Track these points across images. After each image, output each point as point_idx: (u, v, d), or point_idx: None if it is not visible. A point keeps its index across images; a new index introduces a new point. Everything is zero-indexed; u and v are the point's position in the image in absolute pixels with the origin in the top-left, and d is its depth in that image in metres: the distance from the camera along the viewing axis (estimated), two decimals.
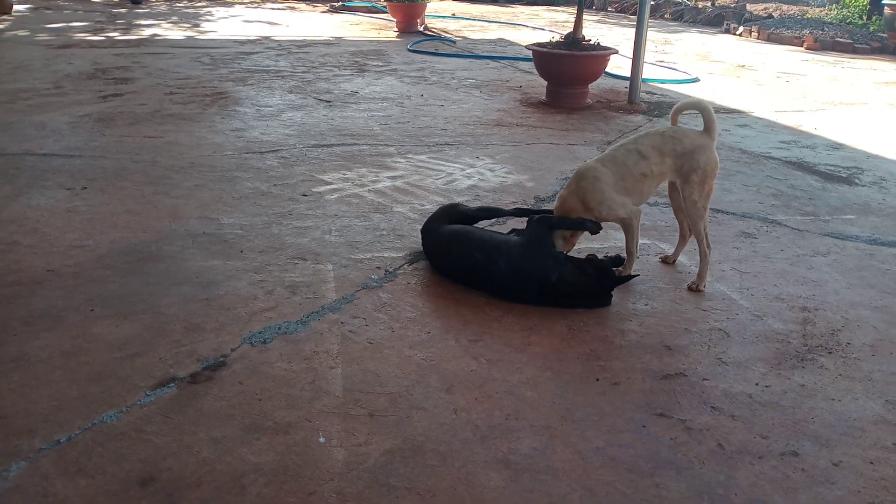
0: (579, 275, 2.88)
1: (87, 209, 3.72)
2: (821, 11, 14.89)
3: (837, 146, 5.60)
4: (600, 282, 2.88)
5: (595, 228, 3.02)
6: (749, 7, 15.76)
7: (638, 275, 3.09)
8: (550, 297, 2.89)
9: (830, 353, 2.65)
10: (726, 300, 3.02)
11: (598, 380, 2.44)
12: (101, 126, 5.33)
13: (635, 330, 2.77)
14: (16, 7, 12.82)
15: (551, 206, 3.92)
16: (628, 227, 3.05)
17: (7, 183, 4.05)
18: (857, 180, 4.73)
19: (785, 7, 16.19)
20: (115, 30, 10.81)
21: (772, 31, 12.49)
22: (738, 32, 13.25)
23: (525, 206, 3.82)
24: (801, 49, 11.43)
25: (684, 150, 3.00)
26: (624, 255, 3.10)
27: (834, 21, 13.41)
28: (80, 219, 3.60)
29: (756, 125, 6.22)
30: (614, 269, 2.99)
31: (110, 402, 2.21)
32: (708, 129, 3.06)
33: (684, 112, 3.19)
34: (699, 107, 3.11)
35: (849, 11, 13.97)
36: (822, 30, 12.26)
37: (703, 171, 3.00)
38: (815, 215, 4.04)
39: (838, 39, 11.47)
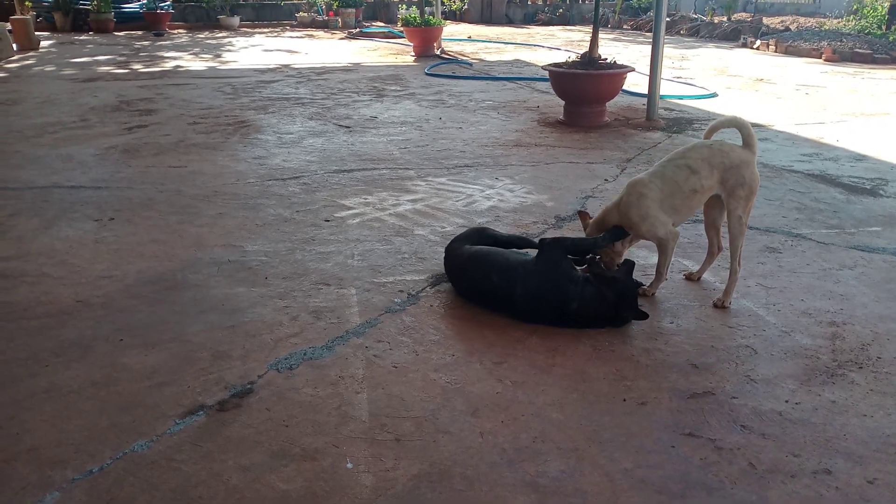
0: (598, 300, 2.84)
1: (114, 240, 3.79)
2: (838, 23, 14.82)
3: (860, 157, 5.55)
4: (617, 308, 2.83)
5: (602, 244, 3.02)
6: (765, 20, 15.73)
7: (648, 315, 2.90)
8: (570, 320, 2.87)
9: (861, 367, 2.61)
10: (753, 316, 2.99)
11: (624, 400, 2.42)
12: (127, 157, 5.44)
13: (661, 349, 2.75)
14: (42, 43, 13.15)
15: (572, 225, 3.94)
16: (664, 249, 3.04)
17: (36, 216, 4.14)
18: (881, 191, 4.68)
19: (802, 19, 16.14)
20: (138, 62, 11.04)
21: (789, 43, 12.44)
22: (755, 46, 13.22)
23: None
24: (820, 61, 11.37)
25: (732, 164, 2.97)
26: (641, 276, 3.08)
27: (852, 32, 13.34)
28: (107, 249, 3.66)
29: (777, 138, 6.19)
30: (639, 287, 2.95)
31: (140, 431, 2.23)
32: (748, 144, 3.03)
33: (720, 131, 3.17)
34: (736, 124, 3.06)
35: (867, 22, 13.88)
36: (841, 41, 12.20)
37: (750, 186, 2.98)
38: (840, 228, 4.00)
39: (857, 50, 11.40)
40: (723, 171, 2.97)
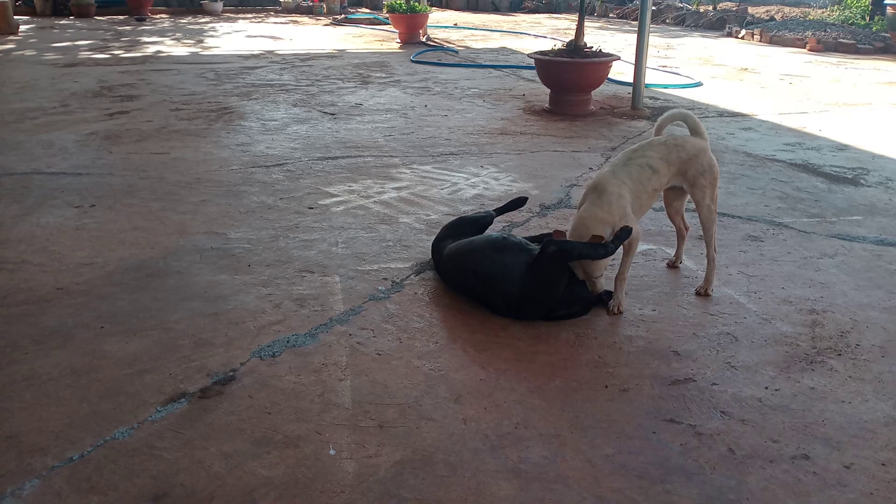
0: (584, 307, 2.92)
1: (95, 227, 3.75)
2: (823, 13, 14.89)
3: (842, 147, 5.59)
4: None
5: (613, 250, 2.81)
6: (751, 10, 15.78)
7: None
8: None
9: (840, 355, 2.64)
10: (734, 304, 3.02)
11: (606, 387, 2.43)
12: (108, 143, 5.38)
13: (643, 336, 2.76)
14: (21, 27, 12.95)
15: (557, 213, 3.95)
16: (630, 249, 2.91)
17: (15, 202, 4.09)
18: (862, 181, 4.72)
19: (787, 9, 16.21)
20: (119, 47, 10.90)
21: (774, 33, 12.49)
22: (740, 35, 13.26)
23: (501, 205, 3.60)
24: (804, 51, 11.42)
25: (688, 156, 2.99)
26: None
27: (836, 22, 13.41)
28: (88, 236, 3.62)
29: (760, 128, 6.22)
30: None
31: (121, 418, 2.22)
32: (697, 133, 3.06)
33: (668, 125, 3.18)
34: (681, 116, 3.11)
35: (851, 12, 13.96)
36: (825, 31, 12.25)
37: (711, 173, 2.99)
38: (822, 217, 4.03)
39: (841, 40, 11.46)
40: (679, 165, 2.98)
